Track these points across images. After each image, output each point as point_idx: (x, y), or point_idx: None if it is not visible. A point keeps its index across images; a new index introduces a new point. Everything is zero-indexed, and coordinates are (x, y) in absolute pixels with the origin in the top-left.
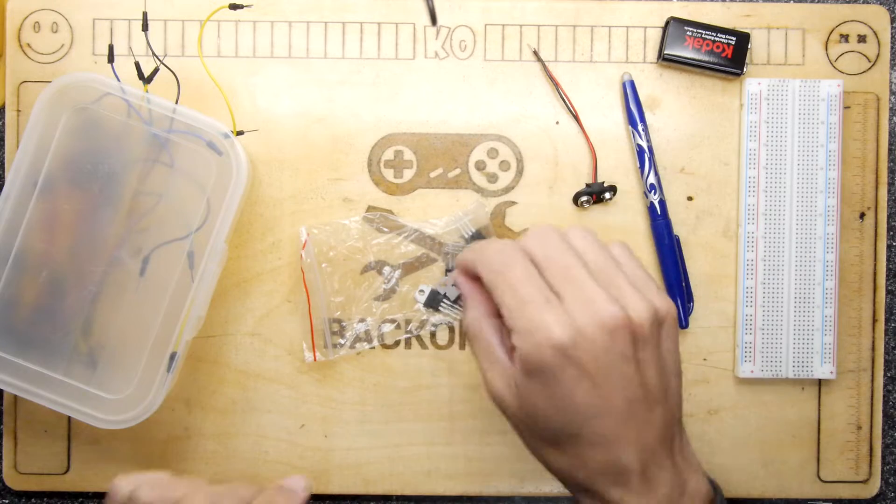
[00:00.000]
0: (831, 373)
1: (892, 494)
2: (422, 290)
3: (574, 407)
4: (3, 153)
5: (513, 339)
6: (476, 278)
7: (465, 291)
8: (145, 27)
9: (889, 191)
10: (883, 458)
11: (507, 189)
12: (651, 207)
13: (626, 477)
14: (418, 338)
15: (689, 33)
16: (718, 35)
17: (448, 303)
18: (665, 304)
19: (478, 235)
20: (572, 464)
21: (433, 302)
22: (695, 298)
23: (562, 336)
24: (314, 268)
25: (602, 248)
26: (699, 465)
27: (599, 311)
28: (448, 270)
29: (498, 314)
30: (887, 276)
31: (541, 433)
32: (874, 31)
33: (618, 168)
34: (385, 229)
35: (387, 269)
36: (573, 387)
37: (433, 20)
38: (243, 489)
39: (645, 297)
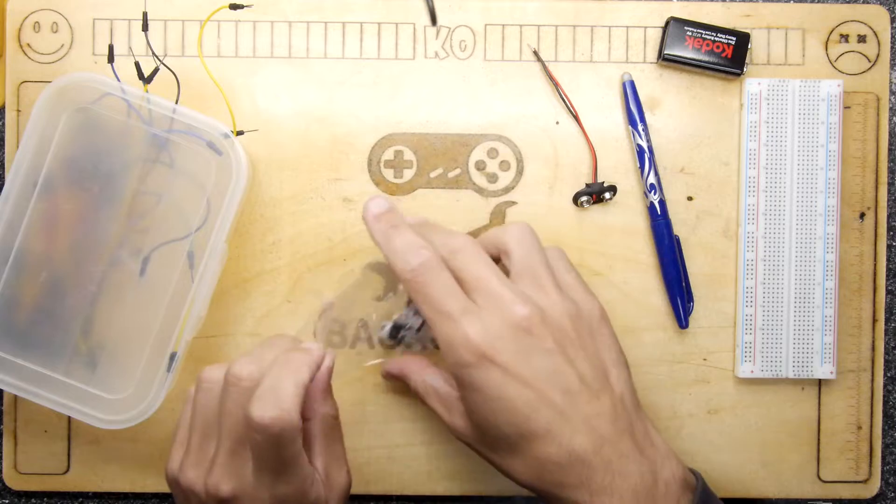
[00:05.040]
0: (831, 373)
1: (892, 494)
2: (383, 326)
3: (512, 407)
4: (3, 153)
5: (442, 354)
6: None
7: (398, 369)
8: (145, 27)
9: (889, 191)
10: (883, 458)
11: (507, 189)
12: (651, 207)
13: (589, 471)
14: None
15: (689, 33)
16: (718, 35)
17: (412, 334)
18: (588, 302)
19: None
20: (534, 470)
21: (396, 335)
22: (695, 298)
23: (478, 341)
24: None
25: (536, 251)
26: (671, 451)
27: (511, 312)
28: (409, 302)
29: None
30: (887, 276)
31: (495, 444)
32: (874, 31)
33: (618, 168)
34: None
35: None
36: (504, 387)
37: (433, 20)
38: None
39: (567, 296)
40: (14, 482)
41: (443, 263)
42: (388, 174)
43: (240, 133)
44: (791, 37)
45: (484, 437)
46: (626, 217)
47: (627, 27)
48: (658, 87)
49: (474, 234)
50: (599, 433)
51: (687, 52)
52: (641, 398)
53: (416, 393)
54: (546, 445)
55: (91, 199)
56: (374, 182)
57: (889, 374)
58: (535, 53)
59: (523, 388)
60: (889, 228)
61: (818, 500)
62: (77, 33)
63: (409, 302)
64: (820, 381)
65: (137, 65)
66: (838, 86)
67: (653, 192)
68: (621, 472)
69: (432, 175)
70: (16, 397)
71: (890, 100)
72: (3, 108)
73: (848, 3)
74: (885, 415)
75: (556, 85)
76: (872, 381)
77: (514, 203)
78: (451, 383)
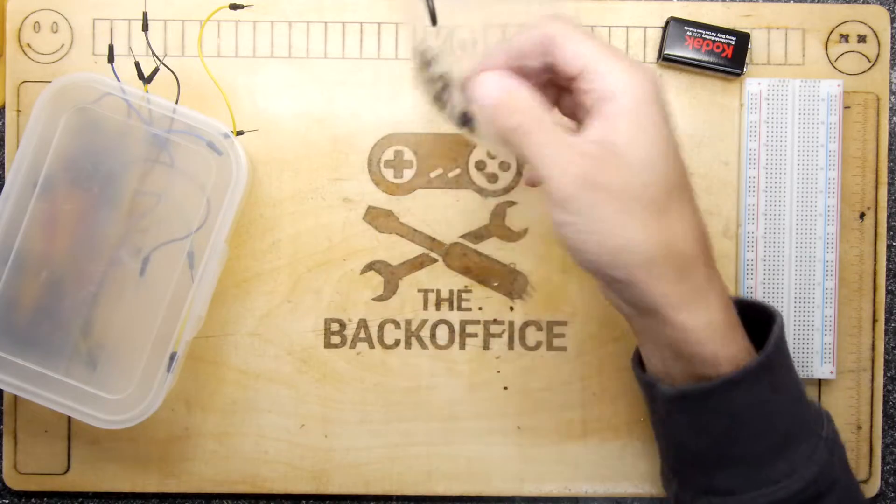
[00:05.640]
0: (831, 373)
1: (892, 494)
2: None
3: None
4: (3, 153)
5: (616, 85)
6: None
7: (503, 87)
8: (145, 27)
9: (889, 191)
10: (883, 458)
11: (507, 189)
12: None
13: (693, 268)
14: (418, 338)
15: (689, 33)
16: (718, 35)
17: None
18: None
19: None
20: (674, 229)
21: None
22: None
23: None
24: None
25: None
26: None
27: (649, 77)
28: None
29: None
30: (887, 276)
31: (650, 193)
32: (874, 31)
33: None
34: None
35: None
36: (673, 127)
37: (433, 20)
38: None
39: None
40: (14, 482)
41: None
42: (388, 174)
43: (240, 133)
44: (791, 37)
45: (618, 181)
46: None
47: (627, 27)
48: None
49: (475, 233)
50: (705, 230)
51: (687, 52)
52: (641, 398)
53: (495, 106)
54: (678, 207)
55: (91, 199)
56: (374, 182)
57: (889, 374)
58: None
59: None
60: (889, 228)
61: None
62: (77, 33)
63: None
64: (820, 381)
65: (137, 65)
66: (838, 86)
67: None
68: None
69: (432, 175)
70: (16, 397)
71: (890, 100)
72: (3, 108)
73: (848, 3)
74: (885, 415)
75: None
76: (872, 381)
77: (514, 203)
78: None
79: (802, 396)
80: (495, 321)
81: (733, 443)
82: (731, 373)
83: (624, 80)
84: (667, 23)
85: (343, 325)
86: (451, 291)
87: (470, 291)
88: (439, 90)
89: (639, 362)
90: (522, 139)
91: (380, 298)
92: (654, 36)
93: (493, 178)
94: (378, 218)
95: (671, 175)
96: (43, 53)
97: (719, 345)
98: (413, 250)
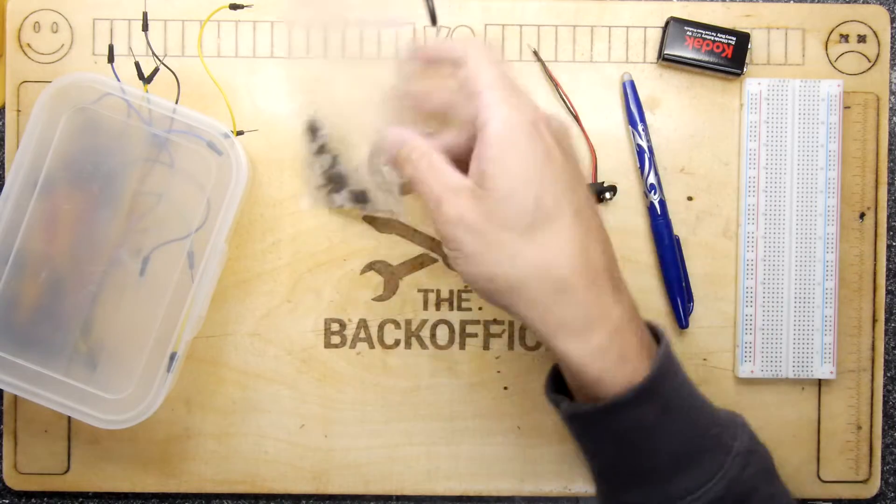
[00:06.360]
0: (831, 373)
1: (892, 494)
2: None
3: (553, 174)
4: (3, 153)
5: (491, 113)
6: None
7: (396, 138)
8: (145, 27)
9: (889, 191)
10: (883, 458)
11: None
12: (651, 207)
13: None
14: (418, 338)
15: (689, 33)
16: (718, 35)
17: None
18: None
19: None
20: (543, 254)
21: (362, 198)
22: (695, 298)
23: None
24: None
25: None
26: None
27: (526, 111)
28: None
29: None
30: (887, 276)
31: (514, 220)
32: (874, 31)
33: (618, 168)
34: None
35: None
36: (547, 156)
37: (433, 20)
38: None
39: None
40: (14, 482)
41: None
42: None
43: (240, 133)
44: (791, 37)
45: (501, 209)
46: (626, 217)
47: (627, 27)
48: (658, 87)
49: None
50: (589, 253)
51: (687, 52)
52: None
53: (397, 155)
54: (558, 226)
55: (91, 199)
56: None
57: (889, 374)
58: (535, 53)
59: (560, 164)
60: (889, 228)
61: (818, 500)
62: (77, 33)
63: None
64: (820, 381)
65: (137, 65)
66: (838, 86)
67: (653, 192)
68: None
69: None
70: (16, 397)
71: (890, 100)
72: (3, 108)
73: (848, 3)
74: (885, 415)
75: (556, 85)
76: (872, 381)
77: None
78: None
79: (702, 413)
80: (495, 321)
81: (630, 461)
82: (615, 396)
83: (501, 110)
84: (667, 23)
85: (343, 325)
86: (451, 291)
87: (470, 291)
88: (328, 167)
89: (554, 380)
90: (416, 186)
91: (380, 298)
92: (654, 36)
93: None
94: (378, 218)
95: (541, 200)
96: (43, 53)
97: (608, 368)
98: (413, 250)
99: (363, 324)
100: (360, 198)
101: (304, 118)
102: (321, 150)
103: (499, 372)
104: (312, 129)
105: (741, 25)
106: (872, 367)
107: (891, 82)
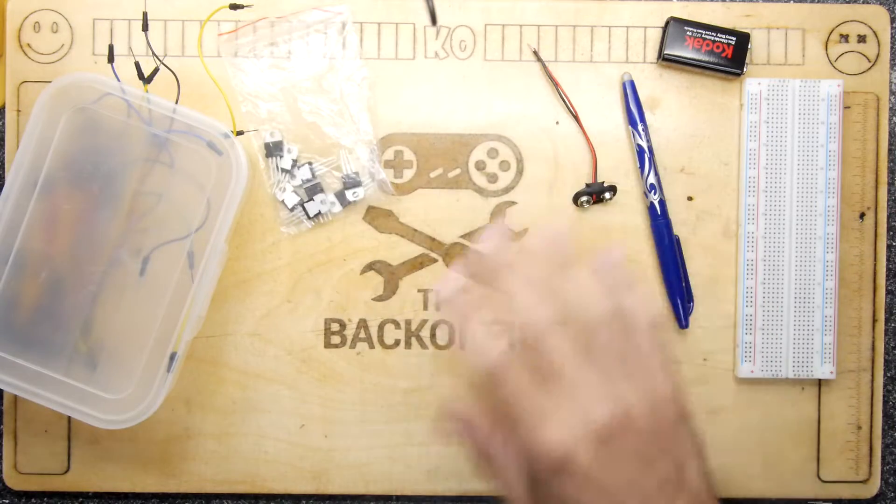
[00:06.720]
0: (831, 373)
1: (892, 494)
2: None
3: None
4: (3, 153)
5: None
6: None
7: (461, 428)
8: (145, 27)
9: (889, 191)
10: (883, 458)
11: (507, 189)
12: (651, 207)
13: None
14: (418, 338)
15: (689, 33)
16: (718, 35)
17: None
18: (666, 385)
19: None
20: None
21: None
22: (695, 298)
23: (556, 450)
24: None
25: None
26: None
27: (593, 414)
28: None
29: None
30: (887, 276)
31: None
32: (874, 31)
33: (618, 168)
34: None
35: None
36: (580, 495)
37: (433, 20)
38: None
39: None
40: (14, 482)
41: (518, 356)
42: (388, 174)
43: (240, 133)
44: (791, 37)
45: None
46: (626, 217)
47: (627, 27)
48: (658, 87)
49: (476, 233)
50: None
51: (687, 52)
52: None
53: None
54: None
55: (91, 199)
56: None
57: (889, 374)
58: (535, 53)
59: (600, 497)
60: (889, 228)
61: (818, 500)
62: (77, 33)
63: None
64: (820, 381)
65: (137, 65)
66: (838, 86)
67: (653, 192)
68: None
69: (432, 175)
70: (16, 397)
71: (890, 100)
72: (3, 108)
73: (848, 3)
74: (885, 415)
75: (556, 85)
76: (872, 381)
77: (514, 203)
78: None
79: None
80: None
81: None
82: None
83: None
84: (667, 23)
85: (343, 325)
86: None
87: None
88: (308, 179)
89: None
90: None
91: (380, 298)
92: (654, 36)
93: (493, 178)
94: (378, 218)
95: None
96: (43, 53)
97: None
98: (413, 250)
99: (363, 324)
100: (343, 192)
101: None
102: (295, 163)
103: None
104: (277, 148)
105: (741, 25)
106: (872, 367)
107: (891, 82)
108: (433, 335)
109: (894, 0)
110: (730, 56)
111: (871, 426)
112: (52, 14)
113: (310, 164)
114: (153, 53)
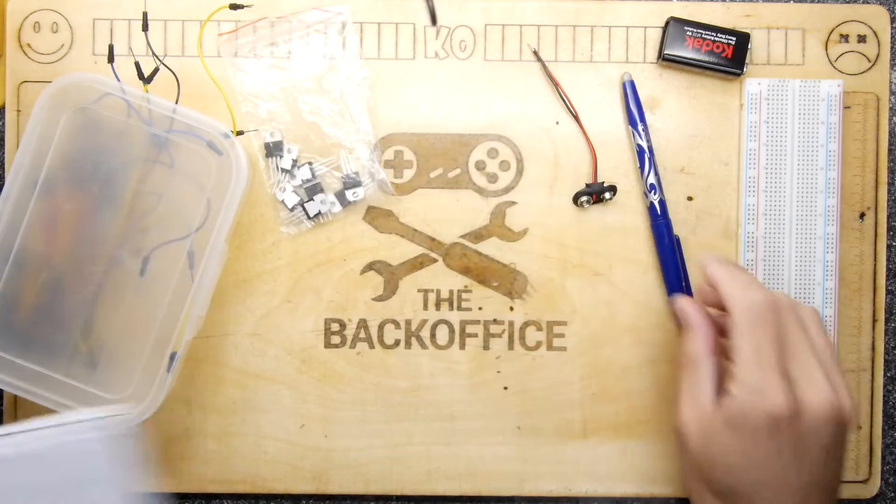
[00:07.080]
0: None
1: (892, 494)
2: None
3: (760, 474)
4: (3, 153)
5: (733, 388)
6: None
7: (694, 321)
8: (145, 27)
9: (889, 191)
10: (883, 458)
11: (507, 189)
12: (651, 207)
13: None
14: (418, 338)
15: (689, 33)
16: (718, 35)
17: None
18: (847, 400)
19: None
20: None
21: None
22: None
23: (784, 411)
24: None
25: (825, 336)
26: None
27: (823, 400)
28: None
29: (718, 349)
30: (887, 276)
31: (714, 482)
32: (874, 31)
33: (618, 168)
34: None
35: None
36: (769, 457)
37: (433, 20)
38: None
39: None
40: None
41: (776, 315)
42: (388, 174)
43: (240, 133)
44: (791, 37)
45: (706, 462)
46: (626, 217)
47: (627, 27)
48: (658, 87)
49: (475, 233)
50: None
51: (687, 52)
52: (641, 398)
53: (685, 353)
54: None
55: (91, 199)
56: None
57: (889, 374)
58: (535, 53)
59: (783, 468)
60: (889, 228)
61: None
62: (77, 33)
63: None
64: None
65: (137, 65)
66: (838, 86)
67: (653, 192)
68: None
69: (432, 175)
70: (16, 397)
71: (890, 100)
72: (3, 108)
73: (848, 3)
74: (885, 415)
75: (556, 85)
76: (872, 381)
77: (514, 203)
78: (716, 389)
79: None
80: (495, 321)
81: None
82: None
83: (736, 295)
84: (667, 23)
85: (343, 325)
86: (451, 291)
87: (470, 291)
88: (308, 178)
89: None
90: (684, 368)
91: (380, 298)
92: (654, 36)
93: (493, 178)
94: (378, 218)
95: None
96: (43, 53)
97: None
98: (413, 250)
99: (363, 324)
100: (344, 192)
101: (262, 141)
102: (295, 163)
103: (499, 372)
104: (277, 147)
105: (741, 25)
106: (872, 367)
107: (891, 82)
108: (433, 335)
109: (894, 0)
110: (730, 56)
111: (871, 426)
112: (52, 14)
113: (310, 164)
114: (153, 53)
